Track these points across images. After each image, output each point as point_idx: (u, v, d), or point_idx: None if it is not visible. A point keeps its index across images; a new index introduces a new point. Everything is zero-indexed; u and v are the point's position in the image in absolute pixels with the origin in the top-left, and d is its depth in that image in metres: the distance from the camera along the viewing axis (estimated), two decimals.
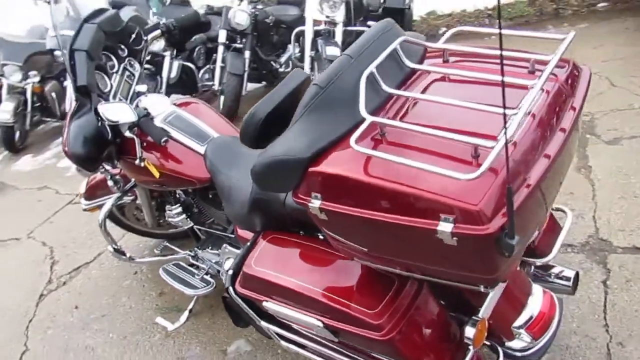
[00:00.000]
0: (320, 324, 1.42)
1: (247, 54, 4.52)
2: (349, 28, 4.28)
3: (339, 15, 4.14)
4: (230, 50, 4.58)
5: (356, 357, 1.54)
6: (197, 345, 2.27)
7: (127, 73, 2.22)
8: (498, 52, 0.88)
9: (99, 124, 1.98)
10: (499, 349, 1.52)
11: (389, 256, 1.25)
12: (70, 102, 2.31)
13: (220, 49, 4.56)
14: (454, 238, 1.03)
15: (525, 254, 1.61)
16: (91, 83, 1.97)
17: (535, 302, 1.54)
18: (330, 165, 1.20)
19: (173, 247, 2.58)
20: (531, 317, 1.51)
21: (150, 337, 2.38)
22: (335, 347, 1.58)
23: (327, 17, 4.12)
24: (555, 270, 1.73)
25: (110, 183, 2.38)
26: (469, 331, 1.32)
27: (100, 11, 2.12)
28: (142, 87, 2.23)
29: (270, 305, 1.55)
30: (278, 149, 1.27)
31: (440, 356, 1.40)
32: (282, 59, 4.90)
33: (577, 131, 1.30)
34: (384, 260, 1.29)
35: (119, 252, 2.46)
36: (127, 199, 2.52)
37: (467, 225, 1.01)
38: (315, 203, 1.22)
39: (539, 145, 1.13)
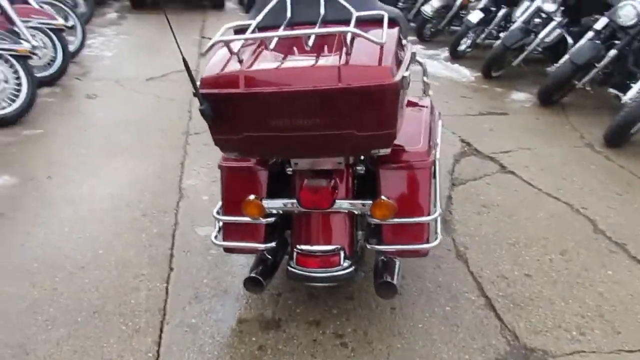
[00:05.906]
0: None
1: (612, 52, 3.79)
2: None
3: None
4: (594, 40, 3.89)
5: None
6: None
7: None
8: None
9: None
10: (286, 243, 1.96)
11: None
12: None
13: (589, 34, 3.99)
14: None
15: (377, 240, 1.88)
16: None
17: (322, 249, 1.78)
18: None
19: None
20: (304, 252, 1.79)
21: None
22: None
23: None
24: (390, 269, 1.80)
25: None
26: (247, 200, 1.81)
27: None
28: None
29: None
30: None
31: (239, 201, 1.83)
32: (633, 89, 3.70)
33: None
34: None
35: None
36: None
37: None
38: None
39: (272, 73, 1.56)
